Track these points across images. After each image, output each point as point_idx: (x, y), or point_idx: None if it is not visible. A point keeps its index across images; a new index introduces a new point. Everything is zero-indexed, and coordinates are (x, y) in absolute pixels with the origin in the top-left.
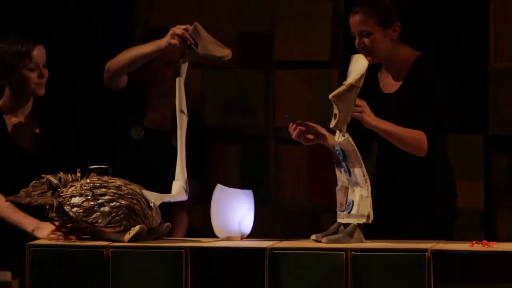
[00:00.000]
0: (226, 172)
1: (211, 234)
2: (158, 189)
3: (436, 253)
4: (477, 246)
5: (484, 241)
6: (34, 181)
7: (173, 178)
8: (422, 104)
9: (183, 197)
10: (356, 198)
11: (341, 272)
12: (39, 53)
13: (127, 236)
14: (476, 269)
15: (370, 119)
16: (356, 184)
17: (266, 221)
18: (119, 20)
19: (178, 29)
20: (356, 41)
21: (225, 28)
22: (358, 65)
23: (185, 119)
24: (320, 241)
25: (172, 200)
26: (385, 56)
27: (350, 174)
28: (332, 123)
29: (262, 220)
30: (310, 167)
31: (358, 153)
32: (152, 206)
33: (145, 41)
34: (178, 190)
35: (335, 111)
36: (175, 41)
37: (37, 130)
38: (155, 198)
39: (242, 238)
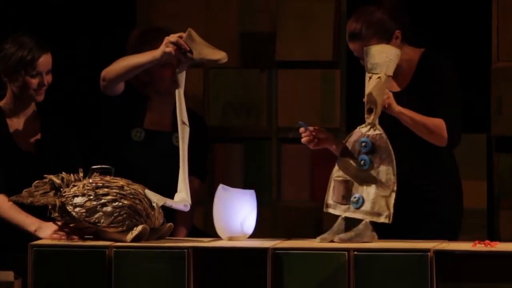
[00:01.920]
0: (228, 172)
1: (213, 234)
2: (159, 190)
3: (439, 253)
4: (479, 246)
5: (487, 241)
6: (36, 181)
7: (174, 178)
8: (436, 93)
9: (184, 208)
10: (371, 195)
11: (343, 272)
12: (44, 62)
13: (130, 236)
14: (478, 269)
15: (396, 106)
16: (373, 180)
17: (269, 221)
18: (120, 21)
19: (173, 37)
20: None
21: (227, 28)
22: (386, 55)
23: (186, 130)
24: (332, 241)
25: (173, 206)
26: None
27: (369, 169)
28: (369, 119)
29: (264, 220)
30: (313, 167)
31: (392, 151)
32: (155, 206)
33: (142, 41)
34: (180, 201)
35: (371, 106)
36: (170, 49)
37: (39, 131)
38: (157, 198)
39: (245, 238)
